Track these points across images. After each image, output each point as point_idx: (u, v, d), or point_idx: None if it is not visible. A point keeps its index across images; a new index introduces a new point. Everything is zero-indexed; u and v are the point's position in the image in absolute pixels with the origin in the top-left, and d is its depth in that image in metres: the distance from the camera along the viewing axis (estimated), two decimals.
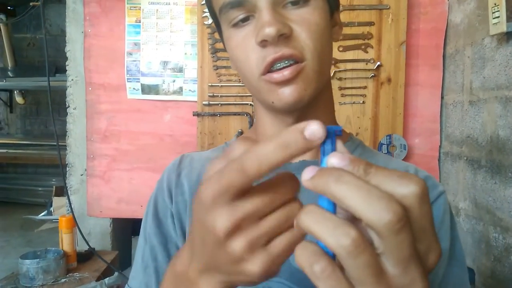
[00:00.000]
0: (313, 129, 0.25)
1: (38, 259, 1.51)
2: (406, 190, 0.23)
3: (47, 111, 5.80)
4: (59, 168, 1.75)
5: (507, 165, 1.33)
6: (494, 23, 1.32)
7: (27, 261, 1.50)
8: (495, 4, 1.31)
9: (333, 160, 0.25)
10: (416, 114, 1.81)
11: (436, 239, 0.25)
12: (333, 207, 0.26)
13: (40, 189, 5.60)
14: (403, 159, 1.77)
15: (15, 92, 5.81)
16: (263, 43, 0.46)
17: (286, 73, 0.47)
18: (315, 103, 0.52)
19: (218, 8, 0.51)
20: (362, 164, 0.25)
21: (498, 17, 1.30)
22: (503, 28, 1.27)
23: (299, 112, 0.52)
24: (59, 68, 5.58)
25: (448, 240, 0.53)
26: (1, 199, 5.71)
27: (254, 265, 0.27)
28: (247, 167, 0.25)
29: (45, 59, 1.58)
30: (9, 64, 5.57)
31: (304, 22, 0.48)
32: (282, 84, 0.48)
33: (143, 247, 0.58)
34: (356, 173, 0.24)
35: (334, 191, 0.23)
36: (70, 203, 1.78)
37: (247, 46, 0.49)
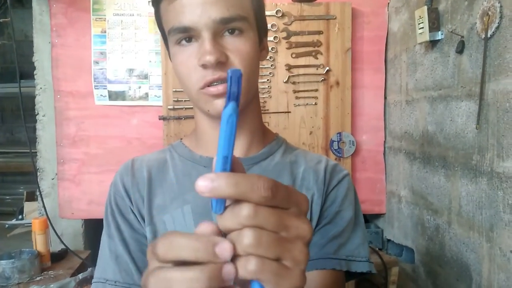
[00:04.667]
0: (224, 247, 0.28)
1: (13, 259, 1.59)
2: None
3: (12, 118, 5.71)
4: (27, 175, 1.81)
5: (434, 156, 1.53)
6: (419, 33, 1.52)
7: (3, 262, 1.57)
8: (420, 16, 1.51)
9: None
10: (363, 113, 2.00)
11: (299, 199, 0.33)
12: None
13: (7, 197, 5.51)
14: (352, 154, 1.96)
15: None
16: (204, 66, 0.58)
17: (221, 87, 0.59)
18: (244, 111, 0.66)
19: (167, 29, 0.63)
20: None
21: (423, 27, 1.49)
22: (427, 37, 1.47)
23: None
24: (24, 74, 5.52)
25: (352, 210, 0.70)
26: None
27: None
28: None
29: (16, 69, 1.67)
30: None
31: (237, 51, 0.59)
32: (216, 97, 0.60)
33: (108, 242, 0.67)
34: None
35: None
36: (44, 205, 1.86)
37: (190, 65, 0.60)
